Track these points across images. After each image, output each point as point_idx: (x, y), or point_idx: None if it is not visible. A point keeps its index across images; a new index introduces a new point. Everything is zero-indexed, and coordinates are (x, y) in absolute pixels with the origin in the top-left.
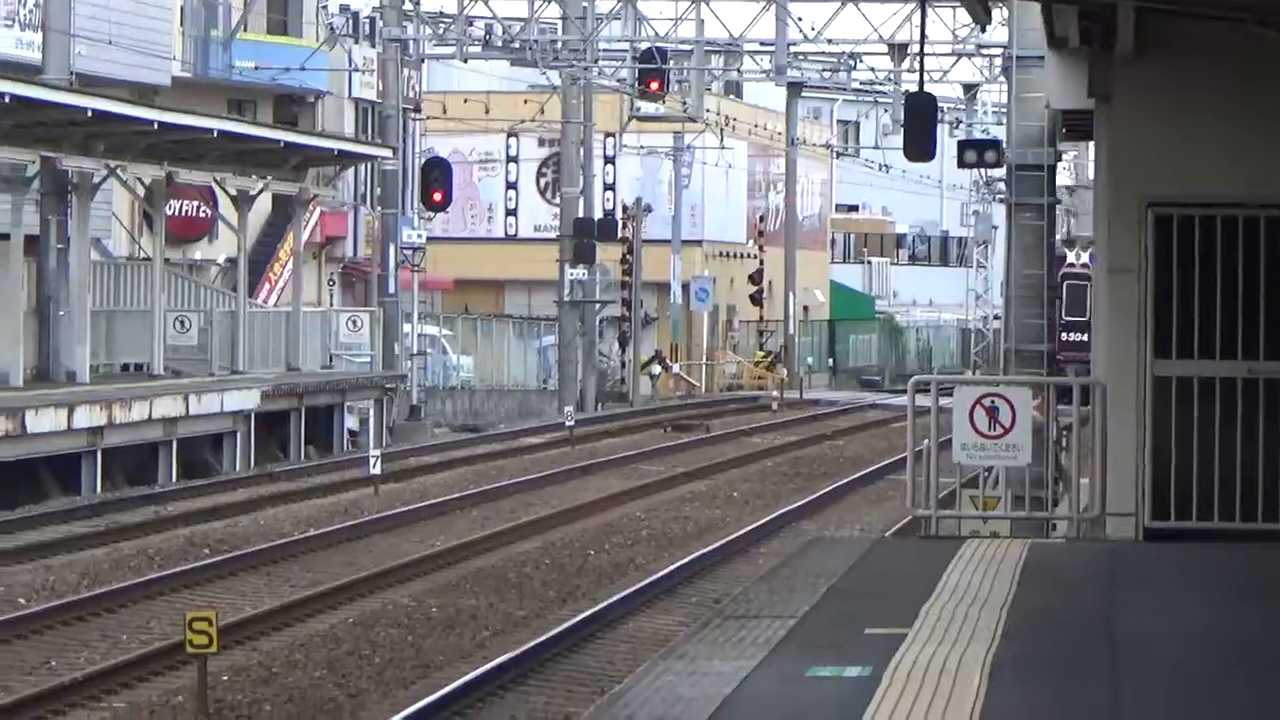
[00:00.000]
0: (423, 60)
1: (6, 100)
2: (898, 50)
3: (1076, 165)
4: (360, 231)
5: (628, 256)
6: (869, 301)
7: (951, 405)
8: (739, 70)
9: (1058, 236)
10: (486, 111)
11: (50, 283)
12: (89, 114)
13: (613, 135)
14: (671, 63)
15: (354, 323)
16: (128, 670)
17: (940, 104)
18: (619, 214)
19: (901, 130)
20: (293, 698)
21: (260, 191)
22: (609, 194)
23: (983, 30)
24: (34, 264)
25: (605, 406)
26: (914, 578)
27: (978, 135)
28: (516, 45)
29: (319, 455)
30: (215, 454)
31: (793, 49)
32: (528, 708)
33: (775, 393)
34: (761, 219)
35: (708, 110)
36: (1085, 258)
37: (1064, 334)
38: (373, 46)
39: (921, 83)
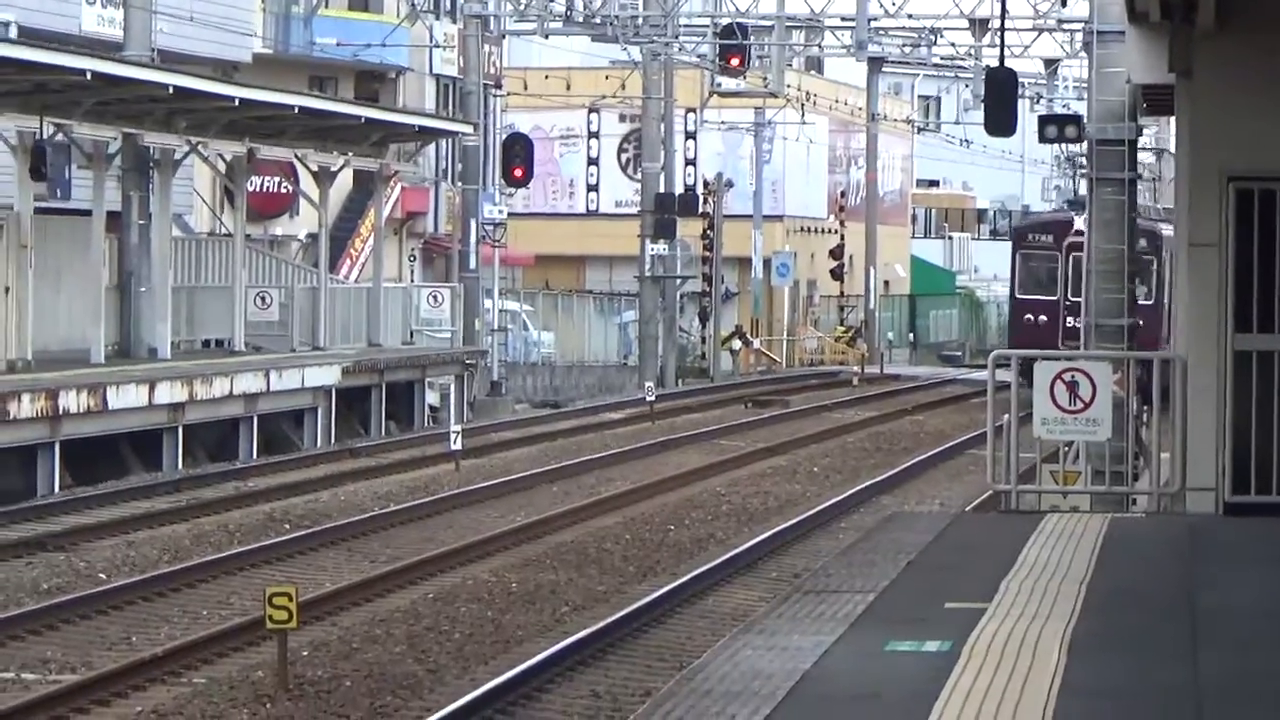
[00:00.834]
0: (503, 36)
1: (88, 77)
2: (978, 25)
3: (1158, 139)
4: (441, 207)
5: (708, 232)
6: (950, 277)
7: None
8: (820, 45)
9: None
10: (568, 87)
11: (132, 259)
12: (170, 91)
13: (693, 111)
14: (752, 38)
15: (435, 298)
16: (208, 645)
17: (1021, 79)
18: (700, 189)
19: (982, 105)
20: (372, 673)
21: (341, 167)
22: (690, 169)
23: (1063, 5)
24: (116, 240)
25: (685, 382)
26: (994, 552)
27: (1059, 110)
28: (597, 21)
29: (400, 431)
30: (296, 430)
31: (873, 24)
32: (607, 682)
33: (856, 368)
34: (843, 194)
35: (788, 86)
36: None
37: (1070, 318)
38: (454, 22)
39: (1002, 58)
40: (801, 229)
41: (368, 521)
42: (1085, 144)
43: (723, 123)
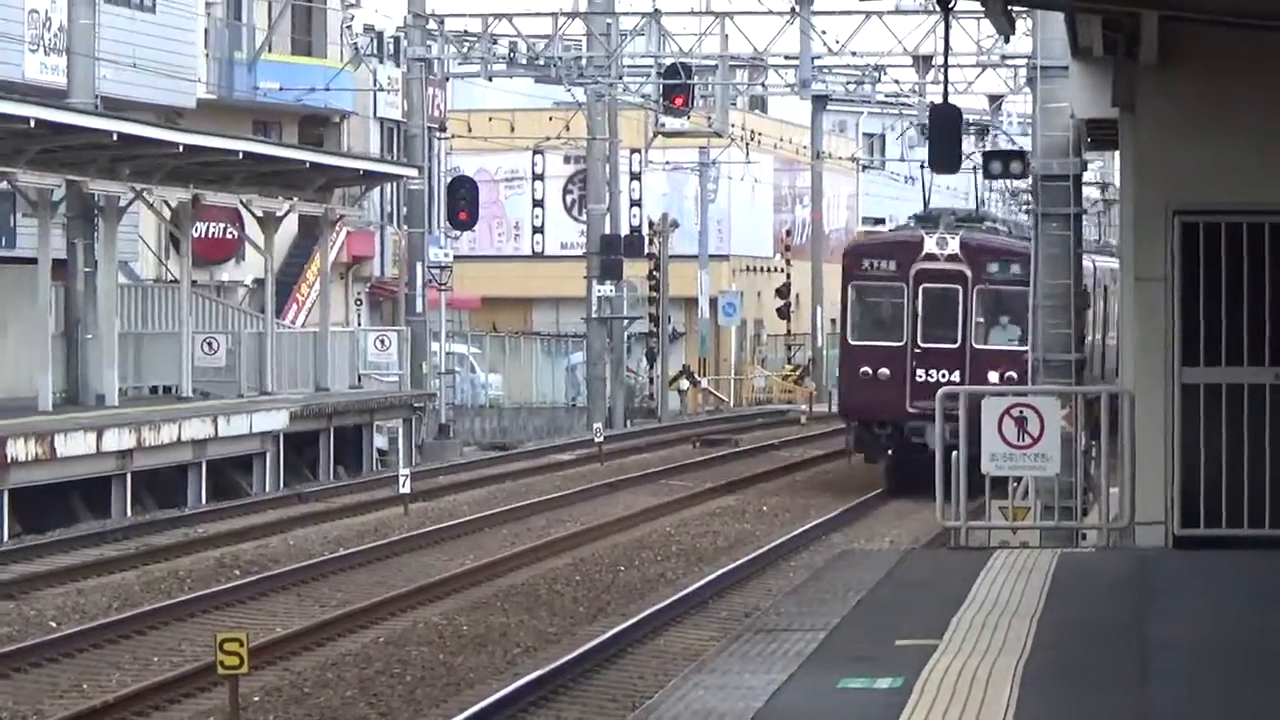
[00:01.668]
0: (447, 79)
1: (32, 125)
2: (922, 62)
3: (1102, 174)
4: (387, 251)
5: (654, 272)
6: None
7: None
8: (763, 84)
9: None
10: (512, 129)
11: (78, 306)
12: (114, 137)
13: (638, 151)
14: (696, 78)
15: (382, 342)
16: (159, 692)
17: (965, 115)
18: (645, 230)
19: (927, 142)
20: (324, 717)
21: (287, 212)
22: (635, 210)
23: (1006, 41)
24: (62, 288)
25: (634, 422)
26: (944, 589)
27: (1003, 146)
28: (541, 63)
29: (348, 475)
30: (245, 475)
31: (817, 62)
32: None
33: (804, 406)
34: (788, 233)
35: (733, 125)
36: (954, 245)
37: (921, 370)
38: (397, 66)
39: (946, 94)
40: (747, 268)
41: (318, 566)
42: (1030, 179)
43: (667, 163)
